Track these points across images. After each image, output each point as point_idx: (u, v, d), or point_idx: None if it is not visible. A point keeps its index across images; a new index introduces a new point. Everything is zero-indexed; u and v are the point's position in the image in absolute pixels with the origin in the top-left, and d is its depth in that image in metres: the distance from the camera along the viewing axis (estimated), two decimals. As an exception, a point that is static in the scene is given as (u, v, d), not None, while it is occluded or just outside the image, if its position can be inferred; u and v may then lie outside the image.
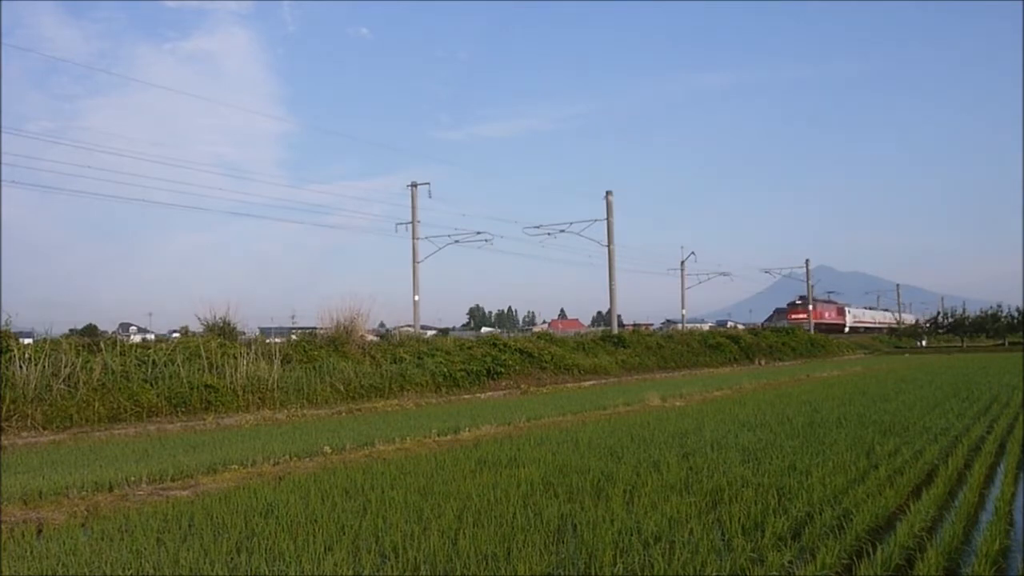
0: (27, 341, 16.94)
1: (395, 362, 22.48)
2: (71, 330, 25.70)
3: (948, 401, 15.91)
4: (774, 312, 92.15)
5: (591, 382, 27.99)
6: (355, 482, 7.87)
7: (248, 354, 18.70)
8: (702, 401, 17.97)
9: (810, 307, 76.01)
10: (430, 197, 40.48)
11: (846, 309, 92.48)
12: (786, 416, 13.35)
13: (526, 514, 6.23)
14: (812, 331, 67.50)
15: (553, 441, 10.77)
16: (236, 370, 17.97)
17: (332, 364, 20.54)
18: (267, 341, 21.54)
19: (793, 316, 79.29)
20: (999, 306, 78.84)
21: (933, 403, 15.50)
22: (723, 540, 5.55)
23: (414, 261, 38.97)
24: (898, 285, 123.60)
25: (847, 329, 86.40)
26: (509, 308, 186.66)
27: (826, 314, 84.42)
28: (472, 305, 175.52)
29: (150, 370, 16.84)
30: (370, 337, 24.57)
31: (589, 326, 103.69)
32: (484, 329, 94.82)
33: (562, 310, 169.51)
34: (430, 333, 42.93)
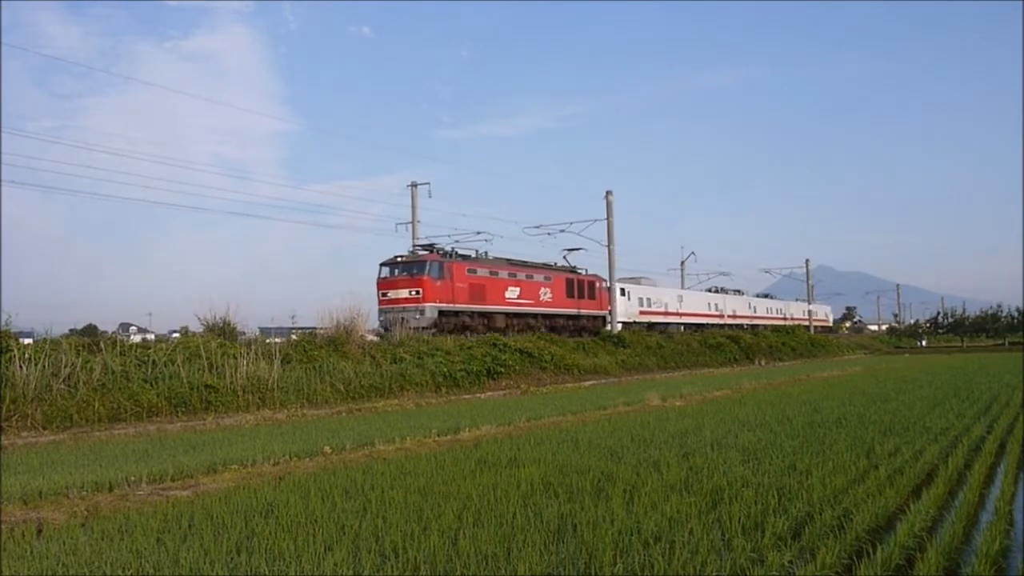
0: (27, 341, 16.93)
1: (395, 362, 22.46)
2: (71, 330, 25.72)
3: (948, 401, 15.90)
4: None
5: (591, 382, 27.98)
6: (355, 482, 7.87)
7: (248, 354, 18.67)
8: (702, 401, 17.96)
9: (429, 273, 29.84)
10: (430, 197, 40.31)
11: (623, 289, 45.21)
12: (786, 416, 13.35)
13: (526, 514, 6.23)
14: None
15: (553, 441, 10.77)
16: (236, 370, 17.95)
17: (332, 364, 20.52)
18: (267, 341, 21.54)
19: (386, 291, 30.46)
20: (999, 306, 79.15)
21: (933, 403, 15.50)
22: (723, 540, 5.55)
23: (413, 261, 38.72)
24: (898, 285, 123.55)
25: (612, 326, 40.88)
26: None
27: (520, 290, 34.72)
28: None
29: (150, 370, 16.83)
30: (370, 337, 24.55)
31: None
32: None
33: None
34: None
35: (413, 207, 39.66)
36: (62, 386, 15.16)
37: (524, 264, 36.40)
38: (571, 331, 36.84)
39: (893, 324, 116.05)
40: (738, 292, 66.39)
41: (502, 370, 25.28)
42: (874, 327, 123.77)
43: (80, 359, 15.85)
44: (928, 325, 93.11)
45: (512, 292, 34.08)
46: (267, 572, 4.96)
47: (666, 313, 50.39)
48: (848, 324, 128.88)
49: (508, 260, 35.31)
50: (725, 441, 10.33)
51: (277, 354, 19.52)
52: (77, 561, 5.31)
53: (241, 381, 17.86)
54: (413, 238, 39.06)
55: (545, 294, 36.41)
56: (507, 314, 33.64)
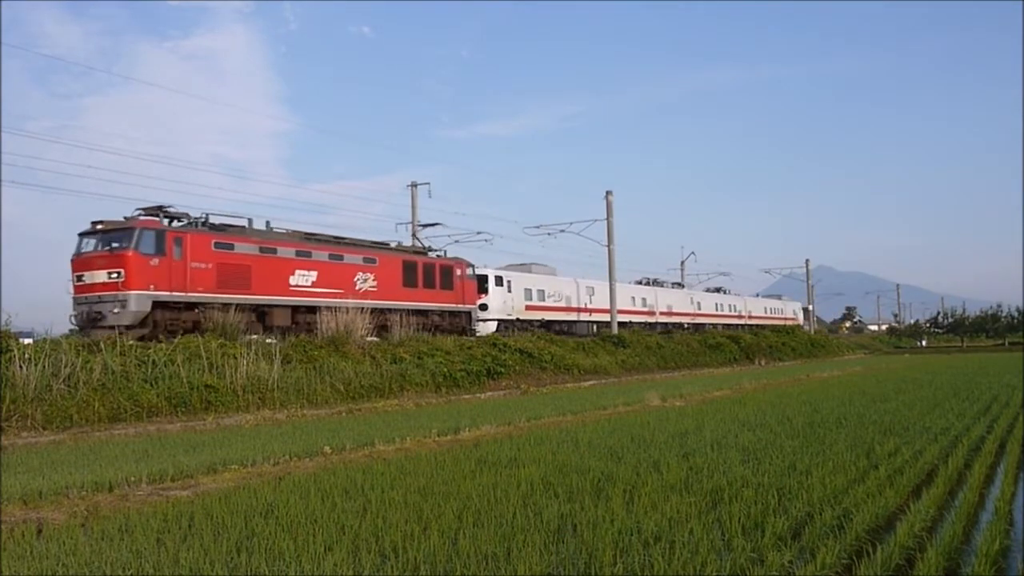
0: (27, 341, 16.92)
1: (395, 362, 22.47)
2: (71, 330, 25.63)
3: (948, 401, 15.91)
4: None
5: (591, 382, 27.99)
6: (355, 482, 7.87)
7: (248, 354, 18.68)
8: (702, 401, 17.96)
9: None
10: (430, 197, 40.11)
11: (499, 278, 36.37)
12: (786, 416, 13.35)
13: (526, 514, 6.23)
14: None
15: (553, 441, 10.77)
16: (236, 370, 17.96)
17: (332, 364, 20.53)
18: (267, 341, 21.52)
19: (82, 273, 21.20)
20: (999, 306, 79.24)
21: (933, 403, 15.50)
22: (723, 540, 5.55)
23: (413, 261, 38.65)
24: (898, 285, 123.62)
25: (478, 324, 33.82)
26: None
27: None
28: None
29: (150, 370, 16.83)
30: (370, 337, 24.54)
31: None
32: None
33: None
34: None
35: (413, 207, 39.69)
36: (62, 386, 15.16)
37: (336, 240, 27.38)
38: (414, 331, 27.17)
39: (893, 324, 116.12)
40: (678, 285, 56.72)
41: (502, 370, 25.28)
42: (874, 327, 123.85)
43: (80, 359, 15.85)
44: (928, 325, 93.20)
45: (304, 277, 24.85)
46: (267, 572, 4.96)
47: (568, 308, 41.04)
48: (848, 324, 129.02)
49: (305, 234, 26.49)
50: (725, 441, 10.33)
51: (277, 354, 19.52)
52: (77, 561, 5.31)
53: (241, 381, 17.87)
54: (413, 238, 39.08)
55: (365, 281, 27.02)
56: (295, 307, 24.51)
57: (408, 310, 28.35)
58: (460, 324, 31.51)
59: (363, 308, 24.09)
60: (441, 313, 30.53)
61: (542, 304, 39.04)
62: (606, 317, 42.31)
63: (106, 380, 15.86)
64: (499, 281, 36.08)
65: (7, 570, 5.22)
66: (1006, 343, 72.92)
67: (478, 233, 40.86)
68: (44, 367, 15.14)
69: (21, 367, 14.86)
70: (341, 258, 26.48)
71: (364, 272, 27.10)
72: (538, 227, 43.01)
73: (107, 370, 16.07)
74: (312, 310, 24.50)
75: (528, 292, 38.19)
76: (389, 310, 27.37)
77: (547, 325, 38.20)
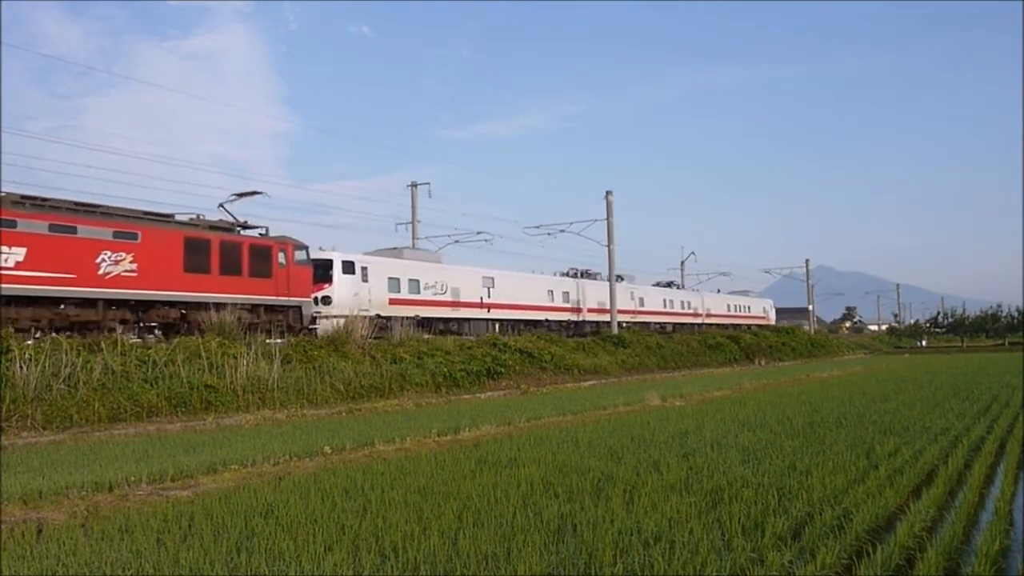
0: (27, 341, 16.91)
1: (395, 362, 22.46)
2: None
3: (948, 401, 15.91)
4: None
5: (591, 382, 27.98)
6: (355, 482, 7.87)
7: (248, 354, 18.67)
8: (702, 401, 17.96)
9: None
10: (430, 197, 40.11)
11: (348, 264, 28.80)
12: (786, 416, 13.35)
13: (526, 514, 6.23)
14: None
15: (553, 441, 10.77)
16: (236, 370, 17.95)
17: (332, 364, 20.52)
18: (267, 341, 21.50)
19: None
20: (999, 306, 79.37)
21: (933, 403, 15.51)
22: (723, 540, 5.55)
23: (413, 261, 38.73)
24: (898, 285, 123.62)
25: (310, 321, 25.53)
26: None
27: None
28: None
29: (150, 370, 16.82)
30: (370, 337, 24.49)
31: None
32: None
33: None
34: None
35: (413, 207, 39.76)
36: (62, 386, 15.15)
37: (71, 208, 19.81)
38: (203, 330, 20.38)
39: (893, 324, 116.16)
40: (618, 279, 45.71)
41: (502, 370, 25.28)
42: (874, 327, 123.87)
43: (80, 359, 15.84)
44: (928, 325, 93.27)
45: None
46: (267, 572, 4.96)
47: (456, 303, 33.42)
48: (848, 324, 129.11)
49: (18, 197, 18.73)
50: (725, 441, 10.33)
51: (277, 354, 19.51)
52: (77, 561, 5.31)
53: (241, 381, 17.86)
54: (413, 238, 39.12)
55: (117, 263, 19.89)
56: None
57: (193, 303, 21.67)
58: (286, 322, 24.50)
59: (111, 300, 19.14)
60: (251, 308, 22.99)
61: (415, 297, 31.35)
62: (510, 314, 36.46)
63: (106, 380, 15.85)
64: (348, 267, 28.77)
65: (7, 570, 5.22)
66: (1006, 343, 72.99)
67: (478, 233, 40.95)
68: (44, 367, 15.13)
69: (21, 367, 14.85)
70: (73, 230, 19.13)
71: (115, 251, 19.88)
72: (538, 227, 42.99)
73: (107, 370, 16.06)
74: (21, 301, 18.23)
75: (394, 282, 30.56)
76: (159, 303, 21.00)
77: (425, 323, 30.98)
